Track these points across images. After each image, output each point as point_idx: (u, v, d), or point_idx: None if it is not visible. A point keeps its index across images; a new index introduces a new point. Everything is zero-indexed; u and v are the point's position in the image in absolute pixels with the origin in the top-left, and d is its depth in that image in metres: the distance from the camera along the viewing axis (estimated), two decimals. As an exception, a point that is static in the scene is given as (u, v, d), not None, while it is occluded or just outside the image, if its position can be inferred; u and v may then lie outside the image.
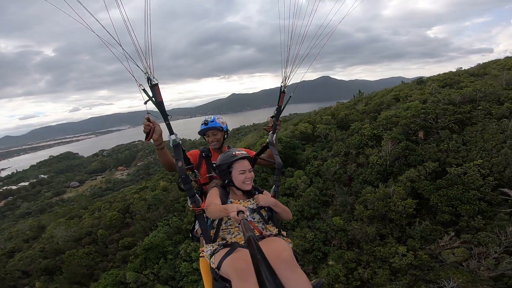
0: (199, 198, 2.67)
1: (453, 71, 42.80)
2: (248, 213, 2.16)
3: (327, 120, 37.71)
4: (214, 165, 3.02)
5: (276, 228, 2.53)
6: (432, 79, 41.13)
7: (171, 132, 2.65)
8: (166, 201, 35.84)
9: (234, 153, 2.64)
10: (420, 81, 43.36)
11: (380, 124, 26.83)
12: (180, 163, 2.57)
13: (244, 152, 2.69)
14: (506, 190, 15.38)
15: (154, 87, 2.48)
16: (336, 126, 34.67)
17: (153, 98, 2.50)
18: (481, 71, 36.35)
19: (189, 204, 2.69)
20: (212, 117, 3.34)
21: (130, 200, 42.02)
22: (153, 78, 2.44)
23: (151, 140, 2.64)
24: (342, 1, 2.48)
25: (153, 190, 41.11)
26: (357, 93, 50.82)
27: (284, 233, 2.50)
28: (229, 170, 2.60)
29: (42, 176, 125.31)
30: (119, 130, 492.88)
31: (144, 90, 2.45)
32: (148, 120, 2.59)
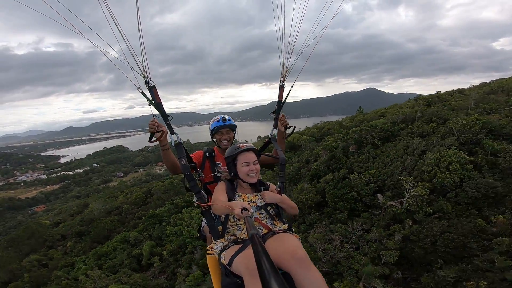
0: (204, 194, 2.77)
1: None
2: (252, 210, 2.10)
3: (312, 133, 44.30)
4: (219, 164, 3.22)
5: (283, 224, 2.60)
6: (422, 97, 44.87)
7: (172, 132, 2.74)
8: (177, 187, 46.10)
9: (238, 145, 2.71)
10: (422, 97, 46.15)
11: (337, 138, 33.06)
12: (183, 161, 2.66)
13: (249, 144, 2.73)
14: (379, 195, 21.29)
15: (152, 89, 2.62)
16: (315, 138, 41.28)
17: (151, 101, 2.65)
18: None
19: (194, 200, 2.80)
20: (226, 116, 3.39)
21: (153, 185, 53.41)
22: (150, 80, 2.57)
23: (154, 141, 2.71)
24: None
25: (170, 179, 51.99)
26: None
27: (293, 228, 2.59)
28: (234, 163, 2.66)
29: (95, 165, 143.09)
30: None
31: (142, 93, 2.59)
32: (153, 121, 2.69)
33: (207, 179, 3.17)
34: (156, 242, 30.26)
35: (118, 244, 32.52)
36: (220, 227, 2.55)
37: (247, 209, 1.98)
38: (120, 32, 2.32)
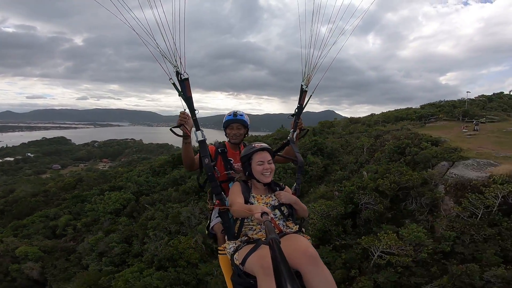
0: (224, 196, 2.78)
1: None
2: (272, 215, 2.12)
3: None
4: (231, 161, 3.26)
5: (296, 225, 2.64)
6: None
7: (197, 127, 2.78)
8: (108, 176, 50.43)
9: (253, 145, 2.76)
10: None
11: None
12: (207, 160, 2.70)
13: (264, 144, 2.77)
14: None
15: (184, 82, 2.64)
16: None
17: (182, 93, 2.66)
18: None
19: (214, 201, 2.90)
20: (241, 111, 3.34)
21: (84, 175, 56.64)
22: (184, 72, 2.58)
23: (178, 134, 2.78)
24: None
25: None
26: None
27: (303, 229, 2.66)
28: (249, 162, 2.71)
29: (29, 154, 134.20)
30: (119, 125, 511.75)
31: (174, 84, 2.61)
32: (185, 113, 2.78)
33: (221, 177, 3.13)
34: (74, 217, 34.80)
35: (37, 218, 36.19)
36: (236, 227, 2.57)
37: (267, 214, 2.03)
38: (156, 20, 2.33)
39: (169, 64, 2.61)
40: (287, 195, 2.68)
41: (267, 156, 2.71)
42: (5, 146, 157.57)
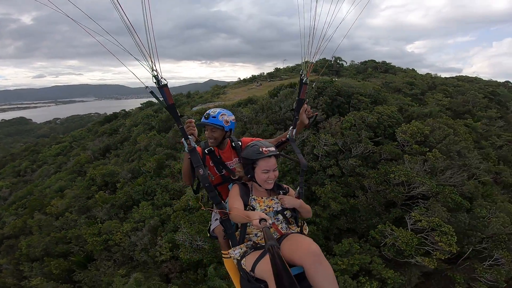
0: (225, 204, 2.74)
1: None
2: (270, 221, 2.14)
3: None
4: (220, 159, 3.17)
5: (298, 227, 2.67)
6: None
7: (185, 136, 2.65)
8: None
9: (260, 149, 2.61)
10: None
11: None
12: (201, 171, 2.61)
13: (272, 149, 2.65)
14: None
15: (164, 89, 2.43)
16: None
17: (163, 101, 2.46)
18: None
19: (215, 211, 2.86)
20: (217, 112, 3.10)
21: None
22: (162, 78, 2.38)
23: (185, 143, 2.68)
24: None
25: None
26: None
27: (305, 231, 2.71)
28: (252, 166, 2.64)
29: None
30: (82, 101, 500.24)
31: (152, 92, 2.44)
32: (191, 122, 2.75)
33: (216, 180, 3.09)
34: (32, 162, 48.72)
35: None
36: (236, 233, 2.62)
37: (265, 220, 2.06)
38: (122, 17, 2.06)
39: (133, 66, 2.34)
40: (290, 199, 2.67)
41: (274, 164, 2.63)
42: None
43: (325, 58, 70.77)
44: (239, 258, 2.46)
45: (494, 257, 17.50)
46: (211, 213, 3.25)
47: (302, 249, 2.13)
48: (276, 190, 2.77)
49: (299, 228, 2.69)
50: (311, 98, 30.55)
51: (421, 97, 42.00)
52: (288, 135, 3.20)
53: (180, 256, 16.90)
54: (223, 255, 2.94)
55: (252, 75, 66.39)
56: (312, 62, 2.91)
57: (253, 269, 2.25)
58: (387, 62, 66.29)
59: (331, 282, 2.01)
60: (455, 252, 16.39)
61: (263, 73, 65.44)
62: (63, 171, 40.36)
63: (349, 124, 24.09)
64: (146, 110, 57.92)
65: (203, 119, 3.11)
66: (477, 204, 19.78)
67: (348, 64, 69.52)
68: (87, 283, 18.76)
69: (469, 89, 43.40)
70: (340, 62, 67.80)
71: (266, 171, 2.60)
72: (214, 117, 3.06)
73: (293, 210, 2.70)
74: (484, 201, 21.06)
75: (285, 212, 2.67)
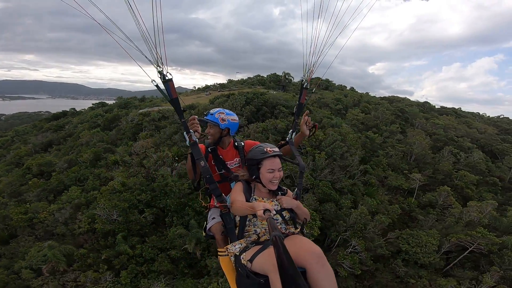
0: (225, 197, 2.80)
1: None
2: (274, 212, 2.18)
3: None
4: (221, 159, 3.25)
5: (296, 228, 2.70)
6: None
7: (187, 130, 2.73)
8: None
9: (265, 149, 2.69)
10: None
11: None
12: (203, 162, 2.69)
13: (276, 150, 2.73)
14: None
15: (168, 83, 2.51)
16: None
17: (167, 95, 2.55)
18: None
19: (215, 204, 2.87)
20: (216, 110, 3.25)
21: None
22: (167, 72, 2.47)
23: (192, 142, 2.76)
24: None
25: None
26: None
27: (304, 231, 2.73)
28: (258, 166, 2.69)
29: None
30: (34, 98, 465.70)
31: (157, 86, 2.49)
32: (195, 119, 2.82)
33: (214, 178, 3.00)
34: None
35: None
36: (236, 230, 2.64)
37: (269, 211, 2.07)
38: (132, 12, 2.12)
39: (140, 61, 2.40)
40: (288, 200, 2.69)
41: (278, 163, 2.70)
42: None
43: (275, 73, 78.43)
44: (238, 253, 2.46)
45: (352, 244, 21.58)
46: (207, 212, 3.23)
47: (305, 250, 2.13)
48: (276, 192, 2.79)
49: (298, 230, 2.68)
50: (239, 106, 35.60)
51: (344, 112, 49.16)
52: (287, 138, 3.30)
53: (96, 227, 20.18)
54: (219, 253, 2.90)
55: (205, 85, 70.88)
56: (312, 70, 3.02)
57: (251, 260, 2.27)
58: (329, 79, 74.72)
59: (332, 285, 2.04)
60: (316, 235, 20.25)
61: (216, 83, 69.95)
62: (1, 163, 40.87)
63: (261, 128, 29.21)
64: (96, 110, 59.48)
65: (204, 117, 3.25)
66: (347, 197, 25.39)
67: (299, 79, 76.64)
68: (6, 255, 21.03)
69: (382, 106, 51.53)
70: (289, 78, 75.08)
71: (272, 170, 2.65)
72: (211, 114, 3.19)
73: (291, 211, 2.73)
74: (363, 198, 26.74)
75: (283, 213, 2.70)
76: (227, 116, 3.20)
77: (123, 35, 2.18)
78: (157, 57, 2.38)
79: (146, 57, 2.33)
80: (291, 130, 3.29)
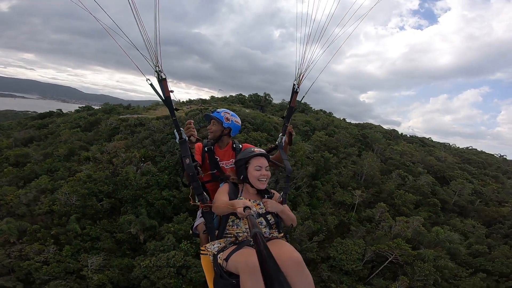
0: (206, 196, 2.87)
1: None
2: (254, 209, 2.26)
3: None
4: (217, 159, 3.33)
5: (280, 233, 2.75)
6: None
7: (177, 128, 2.80)
8: None
9: (252, 149, 2.89)
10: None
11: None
12: (188, 160, 2.75)
13: (263, 150, 2.87)
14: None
15: (162, 82, 2.64)
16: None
17: (161, 94, 2.68)
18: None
19: (196, 202, 2.84)
20: (222, 109, 3.46)
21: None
22: (162, 73, 2.60)
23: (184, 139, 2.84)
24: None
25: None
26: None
27: (288, 236, 2.79)
28: (245, 166, 2.80)
29: None
30: (24, 97, 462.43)
31: (151, 85, 2.62)
32: (191, 123, 2.91)
33: (206, 177, 3.18)
34: None
35: None
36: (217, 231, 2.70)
37: (249, 208, 2.12)
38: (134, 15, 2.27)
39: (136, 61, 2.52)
40: (273, 203, 2.75)
41: (265, 162, 2.80)
42: None
43: (257, 94, 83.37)
44: (216, 252, 2.47)
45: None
46: (197, 211, 3.25)
47: (285, 256, 2.15)
48: (263, 194, 2.86)
49: (282, 234, 2.71)
50: (202, 123, 39.65)
51: (311, 134, 53.69)
52: (277, 142, 3.42)
53: (54, 208, 23.22)
54: (201, 252, 2.92)
55: (189, 99, 74.78)
56: (303, 75, 3.14)
57: (227, 259, 2.27)
58: (307, 103, 79.70)
59: None
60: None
61: (200, 98, 73.94)
62: (-19, 155, 43.37)
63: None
64: (81, 113, 62.68)
65: (211, 113, 3.47)
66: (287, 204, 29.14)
67: (280, 101, 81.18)
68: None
69: (346, 130, 56.41)
70: (269, 99, 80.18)
71: (259, 167, 2.75)
72: (218, 112, 3.42)
73: (276, 215, 2.77)
74: (300, 207, 30.40)
75: (267, 216, 2.73)
76: (231, 116, 3.41)
77: (125, 40, 2.34)
78: (155, 58, 2.54)
79: (144, 57, 2.52)
80: (280, 134, 3.40)
